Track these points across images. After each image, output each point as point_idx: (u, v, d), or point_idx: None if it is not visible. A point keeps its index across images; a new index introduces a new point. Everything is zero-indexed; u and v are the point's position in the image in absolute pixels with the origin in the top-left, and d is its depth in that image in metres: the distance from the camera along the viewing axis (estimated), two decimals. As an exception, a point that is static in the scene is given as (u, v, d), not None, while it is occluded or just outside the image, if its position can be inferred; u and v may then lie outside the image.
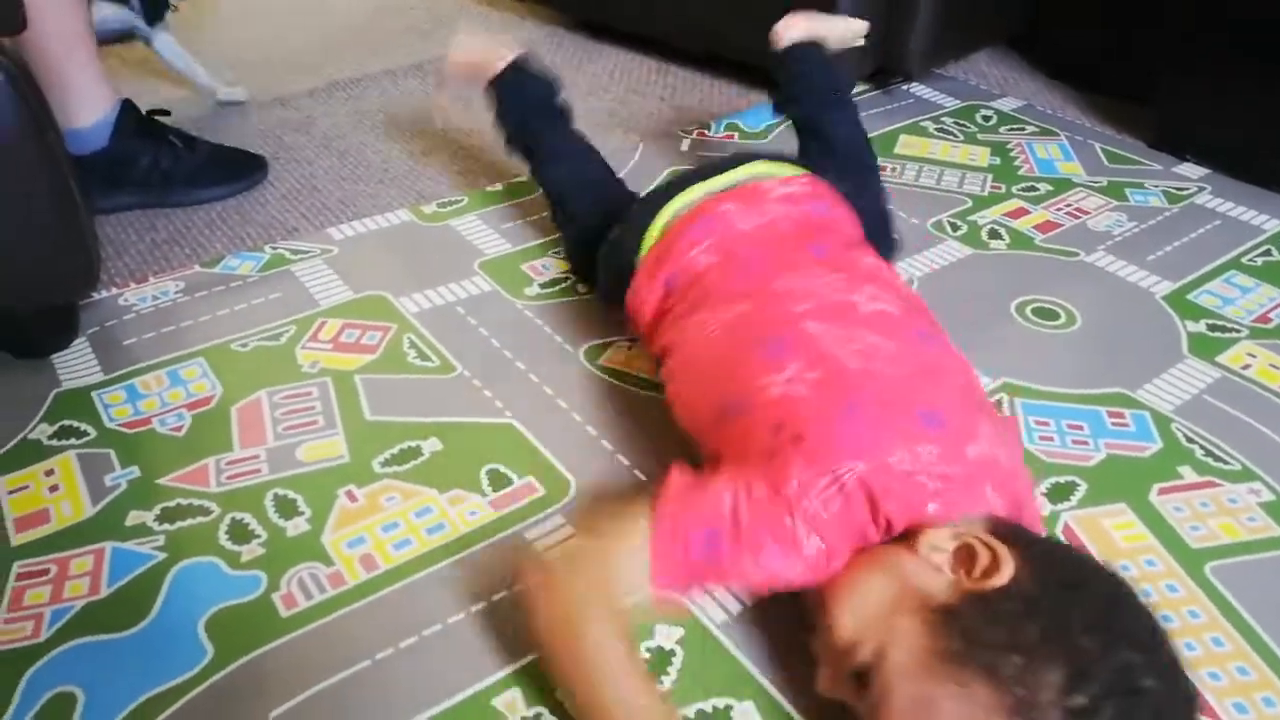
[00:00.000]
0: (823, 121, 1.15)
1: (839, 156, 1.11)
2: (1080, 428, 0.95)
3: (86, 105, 1.25)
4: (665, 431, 0.93)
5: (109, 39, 1.64)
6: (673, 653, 0.73)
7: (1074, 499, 0.86)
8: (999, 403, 0.98)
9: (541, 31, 1.98)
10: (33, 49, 1.08)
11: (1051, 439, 0.93)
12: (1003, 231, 1.28)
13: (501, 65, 1.23)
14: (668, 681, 0.71)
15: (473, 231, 1.28)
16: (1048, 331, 1.09)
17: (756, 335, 0.80)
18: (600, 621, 0.66)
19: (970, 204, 1.35)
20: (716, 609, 0.76)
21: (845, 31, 1.32)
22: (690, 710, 0.69)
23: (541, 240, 1.26)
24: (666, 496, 0.69)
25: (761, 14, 1.59)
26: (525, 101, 1.23)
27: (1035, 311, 1.12)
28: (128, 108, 1.30)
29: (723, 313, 0.84)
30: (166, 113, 1.41)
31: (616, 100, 1.68)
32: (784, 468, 0.67)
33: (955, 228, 1.29)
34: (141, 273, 1.19)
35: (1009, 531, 0.64)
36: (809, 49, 1.23)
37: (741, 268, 0.89)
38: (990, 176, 1.42)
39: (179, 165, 1.33)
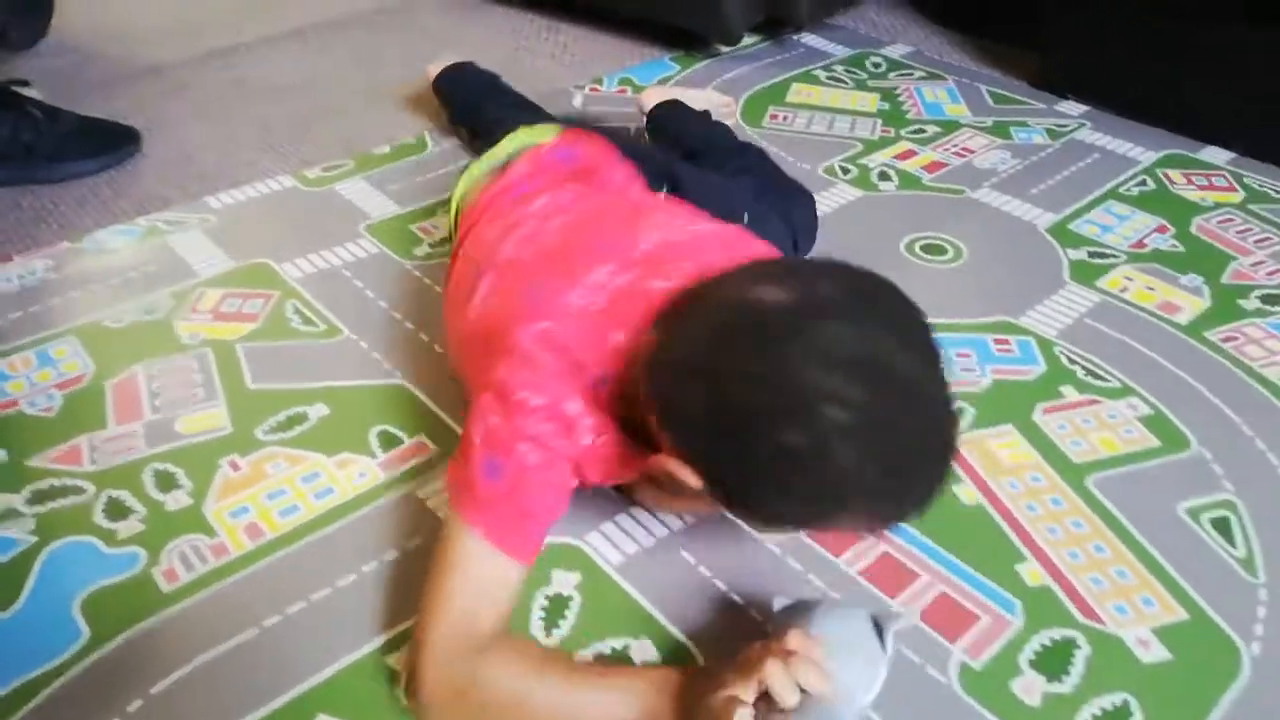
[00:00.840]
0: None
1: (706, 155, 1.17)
2: (967, 355, 0.96)
3: (-68, 77, 1.17)
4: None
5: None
6: (570, 598, 0.73)
7: (963, 424, 0.88)
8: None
9: (428, -7, 1.93)
10: None
11: (940, 368, 0.95)
12: (892, 173, 1.30)
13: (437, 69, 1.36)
14: (566, 626, 0.71)
15: (359, 195, 1.24)
16: (936, 266, 1.11)
17: (462, 279, 0.83)
18: (490, 666, 0.62)
19: (860, 148, 1.36)
20: (613, 551, 0.76)
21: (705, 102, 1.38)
22: (589, 652, 0.69)
23: (432, 200, 1.23)
24: (452, 488, 0.68)
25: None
26: (465, 84, 1.35)
27: (924, 248, 1.14)
28: (-20, 79, 1.23)
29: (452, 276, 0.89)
30: (26, 83, 1.33)
31: (506, 58, 1.64)
32: (493, 367, 0.68)
33: (846, 171, 1.30)
34: (5, 252, 1.13)
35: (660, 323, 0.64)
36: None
37: (476, 237, 0.88)
38: (880, 121, 1.43)
39: (41, 138, 1.26)
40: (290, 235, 1.15)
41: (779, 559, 0.76)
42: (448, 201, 1.20)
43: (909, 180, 1.28)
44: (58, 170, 1.27)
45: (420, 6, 1.86)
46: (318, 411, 0.89)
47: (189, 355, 0.96)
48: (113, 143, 1.32)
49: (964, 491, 0.81)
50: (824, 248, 1.13)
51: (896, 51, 1.68)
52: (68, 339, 0.98)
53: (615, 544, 0.76)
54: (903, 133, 1.40)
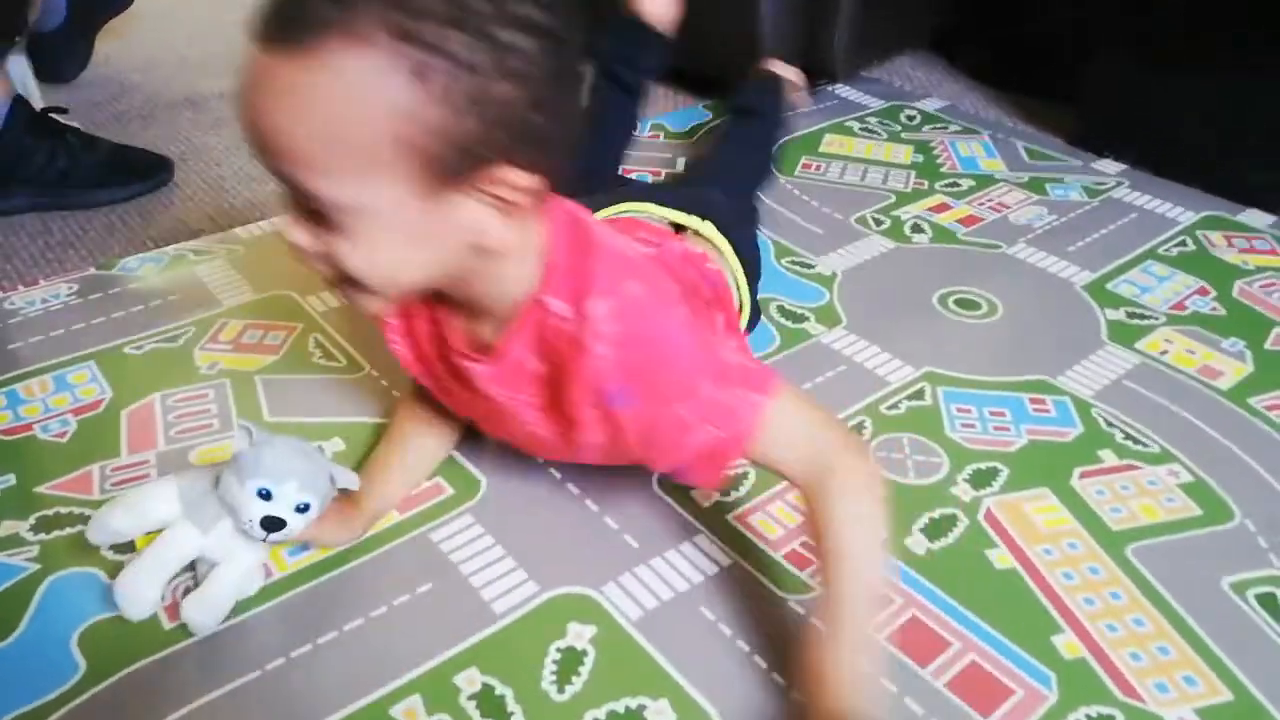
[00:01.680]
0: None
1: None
2: (1002, 414, 0.93)
3: (-29, 101, 1.19)
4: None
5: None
6: (585, 652, 0.70)
7: (996, 484, 0.85)
8: (920, 391, 0.96)
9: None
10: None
11: (973, 426, 0.92)
12: (925, 226, 1.28)
13: None
14: (579, 683, 0.68)
15: (387, 230, 1.23)
16: (969, 321, 1.08)
17: None
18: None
19: (893, 200, 1.34)
20: (630, 604, 0.73)
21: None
22: (602, 711, 0.66)
23: (459, 239, 1.22)
24: None
25: (693, 21, 1.59)
26: None
27: (957, 303, 1.12)
28: (20, 103, 1.24)
29: None
30: (64, 110, 1.35)
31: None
32: None
33: (878, 223, 1.28)
34: (32, 276, 1.13)
35: None
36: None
37: None
38: (913, 173, 1.42)
39: (77, 165, 1.27)
40: (316, 268, 1.14)
41: (802, 619, 0.73)
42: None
43: (943, 234, 1.26)
44: (90, 197, 1.28)
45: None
46: (334, 446, 0.88)
47: (206, 385, 0.95)
48: (146, 172, 1.33)
49: (997, 556, 0.78)
50: (856, 296, 1.11)
51: (930, 105, 1.67)
52: (87, 364, 0.97)
53: (633, 596, 0.73)
54: (936, 186, 1.38)
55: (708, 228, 0.93)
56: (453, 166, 0.53)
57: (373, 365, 0.98)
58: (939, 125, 1.59)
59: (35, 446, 0.87)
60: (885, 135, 1.54)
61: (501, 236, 0.58)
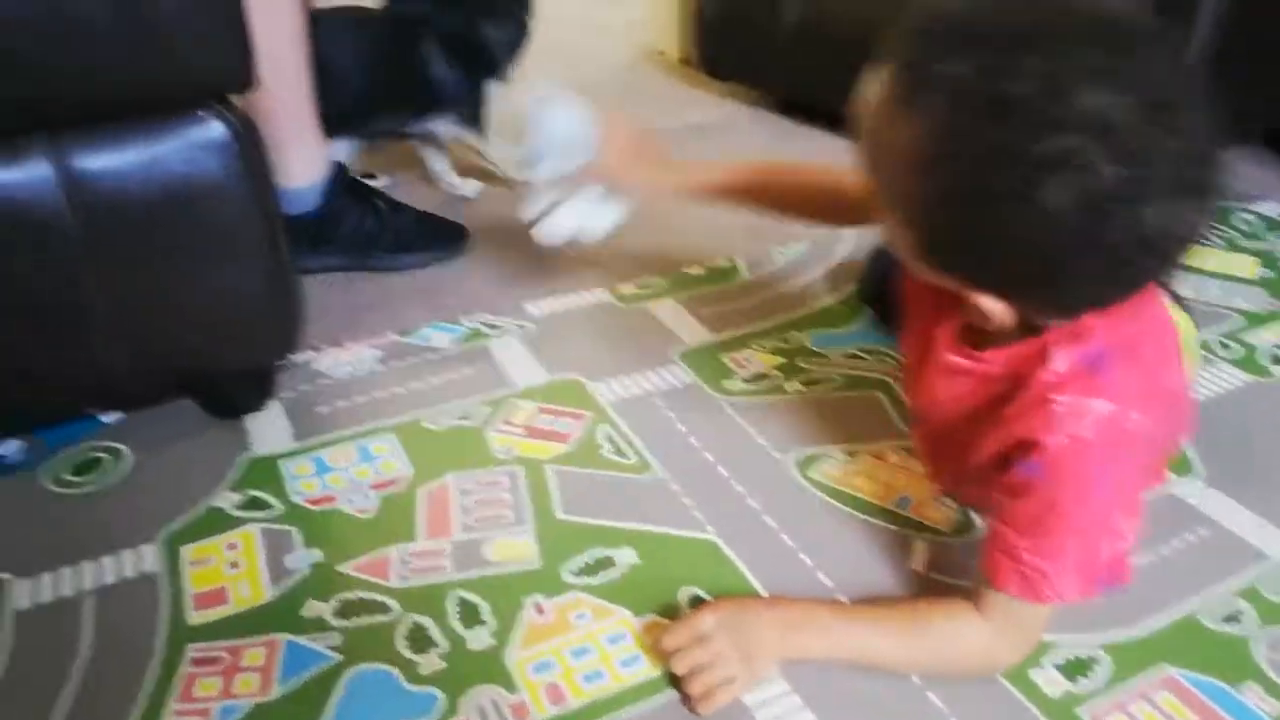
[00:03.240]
0: None
1: None
2: None
3: (303, 166, 1.25)
4: (891, 564, 0.81)
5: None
6: None
7: None
8: (1308, 572, 0.80)
9: (742, 111, 1.93)
10: (258, 107, 1.08)
11: (1386, 629, 0.75)
12: (1286, 358, 1.10)
13: None
14: None
15: (671, 317, 1.20)
16: (1361, 487, 0.90)
17: None
18: None
19: (1242, 322, 1.17)
20: None
21: None
22: None
23: (743, 330, 1.16)
24: None
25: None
26: None
27: (1341, 461, 0.94)
28: (339, 170, 1.30)
29: None
30: (373, 176, 1.41)
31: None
32: None
33: (1225, 348, 1.12)
34: (337, 336, 1.17)
35: None
36: None
37: None
38: (1263, 291, 1.24)
39: (383, 229, 1.32)
40: (604, 353, 1.12)
41: None
42: (768, 334, 1.14)
43: (1312, 370, 1.08)
44: (393, 261, 1.32)
45: (738, 124, 1.86)
46: (625, 557, 0.83)
47: (501, 471, 0.93)
48: (445, 239, 1.37)
49: None
50: (1212, 439, 0.95)
51: (1271, 209, 1.47)
52: (388, 436, 0.98)
53: None
54: (1294, 308, 1.20)
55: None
56: (938, 257, 0.63)
57: (661, 466, 0.93)
58: (1286, 234, 1.39)
59: (340, 521, 0.87)
60: (1221, 243, 1.36)
61: (997, 319, 0.64)
